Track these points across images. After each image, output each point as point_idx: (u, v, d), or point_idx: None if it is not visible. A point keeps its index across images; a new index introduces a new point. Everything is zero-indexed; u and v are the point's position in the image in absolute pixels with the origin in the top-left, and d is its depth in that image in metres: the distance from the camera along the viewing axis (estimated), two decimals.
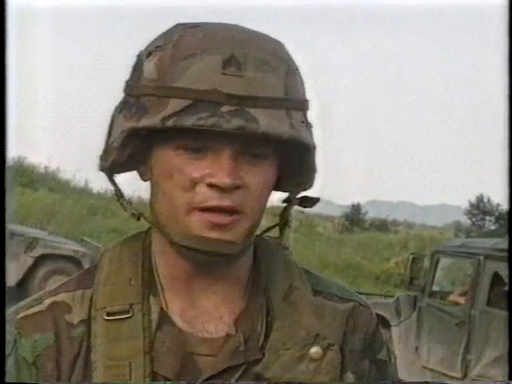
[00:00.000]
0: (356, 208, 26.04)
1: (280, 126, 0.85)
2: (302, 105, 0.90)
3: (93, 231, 14.48)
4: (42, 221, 13.97)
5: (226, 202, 0.86)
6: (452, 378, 5.72)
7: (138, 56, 0.92)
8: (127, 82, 0.92)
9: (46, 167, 18.86)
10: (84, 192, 18.44)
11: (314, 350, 0.91)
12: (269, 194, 0.91)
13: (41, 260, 9.31)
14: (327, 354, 0.91)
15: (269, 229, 0.99)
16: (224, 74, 0.84)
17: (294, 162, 0.93)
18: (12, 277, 8.71)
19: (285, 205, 0.97)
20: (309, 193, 0.97)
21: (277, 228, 0.99)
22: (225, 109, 0.83)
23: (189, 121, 0.83)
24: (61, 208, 15.81)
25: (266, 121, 0.84)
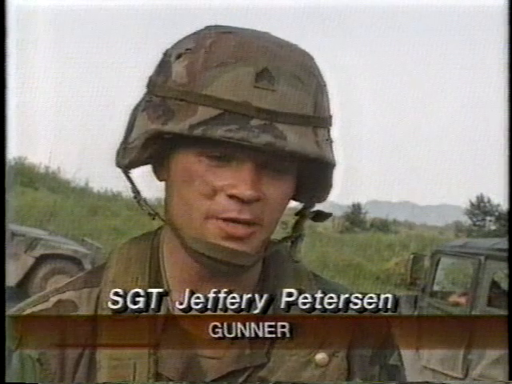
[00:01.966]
0: (356, 208, 26.01)
1: (307, 145, 0.84)
2: (328, 122, 0.89)
3: (93, 231, 14.47)
4: (43, 221, 13.95)
5: (244, 215, 0.85)
6: (453, 377, 5.72)
7: (165, 55, 0.90)
8: (151, 80, 0.90)
9: (46, 167, 18.85)
10: (84, 192, 18.42)
11: (320, 357, 0.91)
12: (285, 207, 0.91)
13: (41, 260, 9.30)
14: (333, 360, 0.91)
15: (281, 241, 0.97)
16: (256, 86, 0.83)
17: (312, 177, 0.92)
18: (12, 277, 8.70)
19: (297, 218, 0.97)
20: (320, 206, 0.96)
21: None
22: (254, 123, 0.82)
23: (218, 131, 0.81)
24: (61, 208, 15.80)
25: (294, 138, 0.82)
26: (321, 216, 0.97)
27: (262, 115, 0.83)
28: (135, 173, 0.95)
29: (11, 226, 8.79)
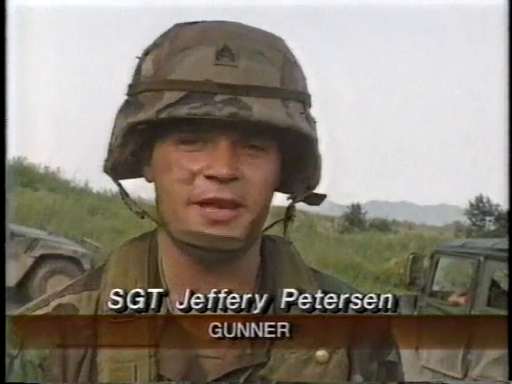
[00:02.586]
0: (356, 208, 26.00)
1: (275, 114, 0.84)
2: (301, 96, 0.89)
3: (93, 231, 14.47)
4: (42, 221, 13.95)
5: (224, 193, 0.85)
6: (452, 377, 5.72)
7: (138, 58, 0.92)
8: (128, 84, 0.92)
9: (46, 167, 18.84)
10: (84, 192, 18.41)
11: (320, 354, 0.91)
12: (272, 190, 0.90)
13: (41, 260, 9.30)
14: (333, 357, 0.91)
15: (272, 224, 0.98)
16: (217, 64, 0.84)
17: (295, 155, 0.92)
18: (12, 277, 8.70)
19: (290, 201, 0.96)
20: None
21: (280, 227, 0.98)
22: (218, 98, 0.83)
23: (182, 111, 0.82)
24: (61, 208, 15.80)
25: (260, 109, 0.83)
26: (314, 198, 0.97)
27: (225, 90, 0.84)
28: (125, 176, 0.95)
29: (11, 226, 8.79)
